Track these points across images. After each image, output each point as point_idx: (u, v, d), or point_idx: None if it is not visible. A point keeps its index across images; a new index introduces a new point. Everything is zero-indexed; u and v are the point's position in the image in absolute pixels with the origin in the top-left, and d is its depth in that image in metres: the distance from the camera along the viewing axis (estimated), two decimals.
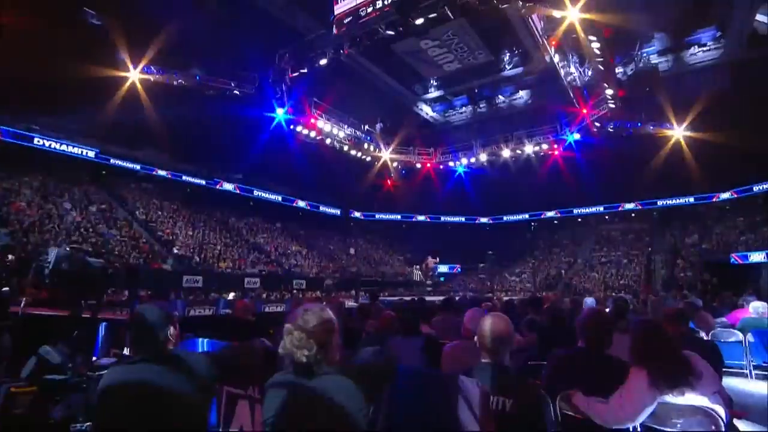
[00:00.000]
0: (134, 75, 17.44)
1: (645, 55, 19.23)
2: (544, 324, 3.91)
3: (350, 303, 16.65)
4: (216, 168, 23.57)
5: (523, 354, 3.76)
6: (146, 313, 1.67)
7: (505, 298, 12.29)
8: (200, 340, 2.37)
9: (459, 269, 31.72)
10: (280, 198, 27.41)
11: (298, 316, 1.49)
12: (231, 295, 12.21)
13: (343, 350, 1.65)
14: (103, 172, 20.03)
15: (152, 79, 17.63)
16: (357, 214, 33.42)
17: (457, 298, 7.45)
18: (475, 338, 1.94)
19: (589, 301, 4.95)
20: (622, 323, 3.38)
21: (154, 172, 21.87)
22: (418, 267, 15.47)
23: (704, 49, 18.15)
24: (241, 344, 2.04)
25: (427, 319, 4.74)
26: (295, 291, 17.97)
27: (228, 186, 24.58)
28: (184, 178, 22.87)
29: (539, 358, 3.55)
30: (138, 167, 21.30)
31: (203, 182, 23.58)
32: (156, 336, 1.65)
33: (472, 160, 29.06)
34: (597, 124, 21.51)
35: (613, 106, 18.94)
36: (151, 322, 1.65)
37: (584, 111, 21.43)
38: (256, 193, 26.07)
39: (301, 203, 28.92)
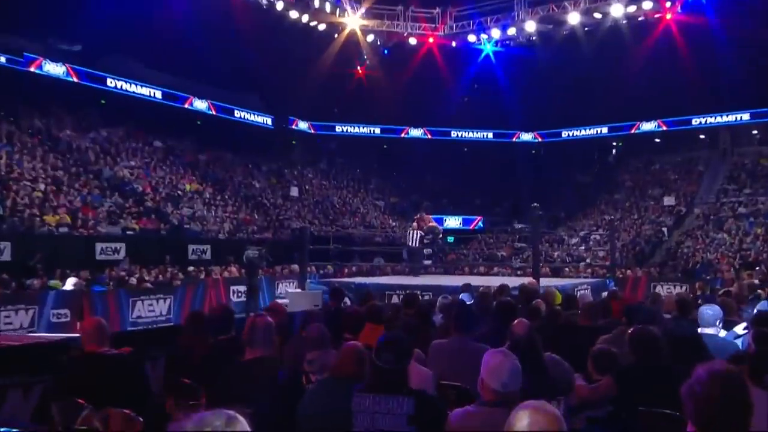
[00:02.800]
0: None
1: None
2: (628, 362, 4.00)
3: (292, 287, 16.89)
4: (27, 34, 22.55)
5: (586, 413, 3.90)
6: None
7: (560, 284, 12.58)
8: None
9: (480, 224, 32.48)
10: (159, 93, 26.98)
11: None
12: (70, 283, 12.13)
13: None
14: None
15: None
16: (303, 126, 33.39)
17: (470, 296, 7.59)
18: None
19: (709, 314, 5.04)
20: None
21: None
22: (414, 226, 15.68)
23: None
24: None
25: (423, 342, 4.82)
26: (191, 269, 17.95)
27: (54, 68, 23.62)
28: None
29: (615, 425, 3.66)
30: None
31: (2, 60, 22.39)
32: None
33: (511, 31, 28.50)
34: None
35: None
36: None
37: None
38: (110, 82, 25.35)
39: (200, 104, 28.65)
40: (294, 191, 30.07)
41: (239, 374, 3.54)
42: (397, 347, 3.15)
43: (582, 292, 12.56)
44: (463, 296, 7.77)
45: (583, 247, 25.59)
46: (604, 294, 12.81)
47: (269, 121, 31.78)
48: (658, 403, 3.44)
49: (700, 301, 7.93)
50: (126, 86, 25.74)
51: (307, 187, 31.70)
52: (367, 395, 3.08)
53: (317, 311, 5.59)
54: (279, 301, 14.28)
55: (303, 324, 5.33)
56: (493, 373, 2.80)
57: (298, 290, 14.37)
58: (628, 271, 20.37)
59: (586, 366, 4.24)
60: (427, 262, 17.65)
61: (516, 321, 4.14)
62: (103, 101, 25.46)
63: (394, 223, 30.89)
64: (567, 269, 21.26)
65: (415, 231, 14.98)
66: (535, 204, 12.71)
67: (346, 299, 11.67)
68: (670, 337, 4.18)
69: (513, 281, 13.14)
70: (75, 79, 24.20)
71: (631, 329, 4.20)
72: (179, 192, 24.29)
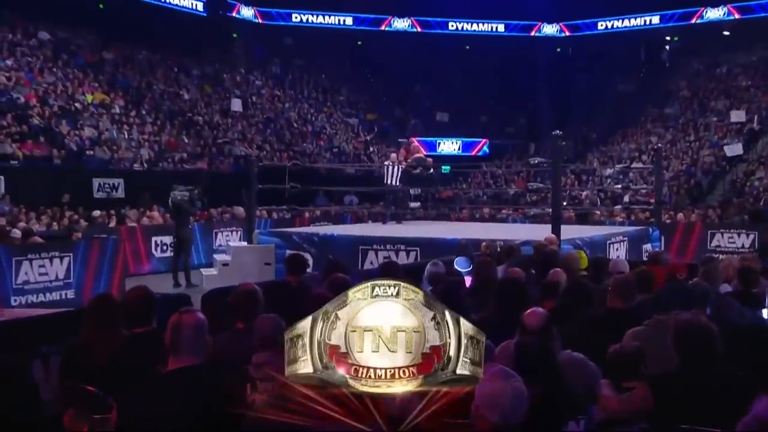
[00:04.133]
0: None
1: None
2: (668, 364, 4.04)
3: (235, 239, 16.88)
4: None
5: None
6: None
7: (587, 235, 12.65)
8: None
9: (485, 149, 32.52)
10: None
11: None
12: None
13: None
14: None
15: None
16: (247, 13, 33.37)
17: (468, 262, 7.57)
18: None
19: None
20: None
21: None
22: (394, 159, 15.53)
23: None
24: None
25: None
26: (98, 213, 17.79)
27: None
28: None
29: None
30: None
31: None
32: None
33: None
34: None
35: None
36: None
37: None
38: None
39: None
40: (236, 104, 29.68)
41: (158, 390, 3.50)
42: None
43: (616, 246, 12.70)
44: (458, 262, 7.63)
45: (619, 186, 25.63)
46: (646, 249, 13.01)
47: (200, 6, 31.33)
48: (707, 420, 3.45)
49: None
50: None
51: (253, 98, 31.45)
52: (330, 425, 3.10)
53: (258, 293, 5.22)
54: (218, 257, 14.34)
55: (240, 308, 4.99)
56: (491, 402, 2.80)
57: (244, 243, 14.38)
58: (679, 215, 20.52)
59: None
60: (415, 205, 17.68)
61: (529, 311, 4.13)
62: None
63: (371, 149, 30.79)
64: (598, 213, 21.36)
65: (395, 165, 14.84)
66: (557, 131, 12.54)
67: (308, 257, 11.71)
68: (727, 327, 4.18)
69: (526, 232, 13.27)
70: None
71: (677, 320, 4.21)
72: (77, 105, 23.93)
